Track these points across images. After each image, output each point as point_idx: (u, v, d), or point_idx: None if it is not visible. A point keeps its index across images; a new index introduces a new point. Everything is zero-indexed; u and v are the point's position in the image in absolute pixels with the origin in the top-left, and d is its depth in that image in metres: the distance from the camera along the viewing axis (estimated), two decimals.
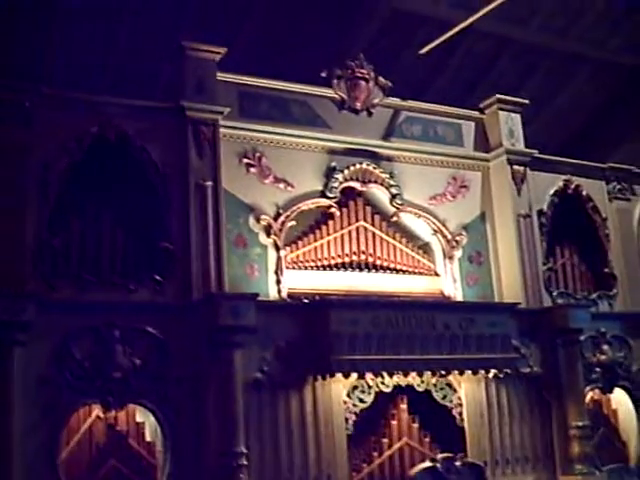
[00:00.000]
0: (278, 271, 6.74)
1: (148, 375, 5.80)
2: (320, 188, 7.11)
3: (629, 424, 7.87)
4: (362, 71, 7.51)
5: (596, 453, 7.36)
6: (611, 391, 7.77)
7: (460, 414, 6.85)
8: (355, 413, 6.39)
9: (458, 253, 7.61)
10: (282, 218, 6.86)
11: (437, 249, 7.64)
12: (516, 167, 7.89)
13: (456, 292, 7.50)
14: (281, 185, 6.95)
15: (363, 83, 7.50)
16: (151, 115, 6.48)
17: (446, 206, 7.70)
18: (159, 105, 6.59)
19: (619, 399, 7.90)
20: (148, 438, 5.99)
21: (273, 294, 6.65)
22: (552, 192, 8.09)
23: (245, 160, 6.82)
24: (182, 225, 6.29)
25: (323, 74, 7.32)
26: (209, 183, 6.45)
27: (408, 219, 7.58)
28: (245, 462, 5.76)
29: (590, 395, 7.58)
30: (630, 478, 7.60)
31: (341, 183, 7.19)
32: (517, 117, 8.11)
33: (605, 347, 7.70)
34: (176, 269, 6.18)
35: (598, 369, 7.60)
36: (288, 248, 6.93)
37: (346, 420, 6.34)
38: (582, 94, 11.07)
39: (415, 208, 7.54)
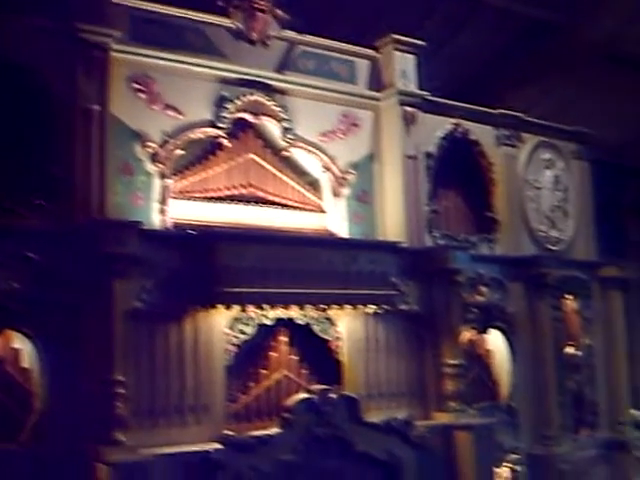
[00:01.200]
0: (163, 200, 6.75)
1: (26, 300, 5.77)
2: (210, 117, 7.10)
3: (502, 364, 8.31)
4: (260, 2, 7.51)
5: (469, 391, 7.75)
6: (486, 331, 8.19)
7: (339, 348, 7.09)
8: (235, 345, 6.54)
9: (346, 191, 7.77)
10: (170, 146, 6.84)
11: (326, 186, 7.79)
12: (407, 108, 8.04)
13: (342, 229, 7.67)
14: (170, 112, 6.91)
15: (260, 14, 7.50)
16: (39, 35, 6.31)
17: (336, 143, 7.81)
18: (48, 25, 6.41)
19: (494, 339, 8.33)
20: (25, 364, 5.97)
21: (157, 224, 6.65)
22: (441, 135, 8.29)
23: (134, 85, 6.73)
24: (67, 150, 6.21)
25: (220, 2, 7.31)
26: (96, 107, 6.36)
27: (298, 154, 7.66)
28: (122, 390, 5.83)
29: (466, 335, 7.91)
30: (500, 415, 8.04)
31: (232, 114, 7.20)
32: (411, 58, 8.23)
33: (483, 289, 8.06)
34: (59, 194, 6.11)
35: (475, 310, 7.95)
36: (175, 177, 6.92)
37: (226, 351, 6.48)
38: (480, 40, 11.30)
39: (306, 144, 7.62)
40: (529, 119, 9.11)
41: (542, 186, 9.08)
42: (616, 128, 12.39)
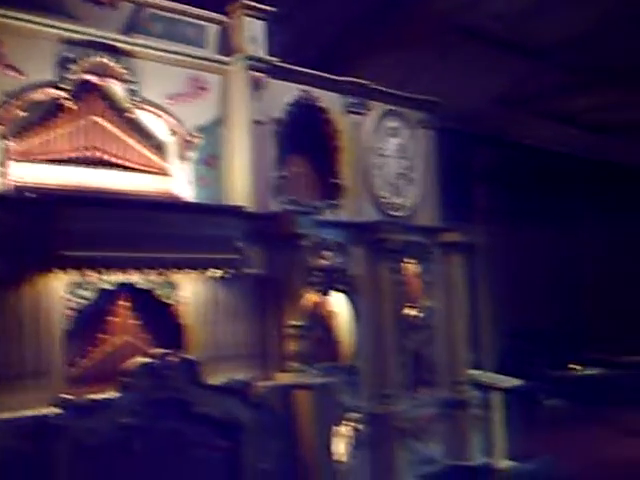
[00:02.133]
0: (3, 162, 6.69)
1: None
2: (53, 78, 7.04)
3: (344, 325, 8.66)
4: None
5: (311, 352, 8.03)
6: (329, 294, 8.50)
7: (182, 312, 7.24)
8: (75, 310, 6.59)
9: (192, 155, 7.86)
10: (10, 107, 6.77)
11: (172, 149, 7.85)
12: (255, 73, 8.16)
13: (187, 193, 7.77)
14: (11, 72, 6.81)
15: None
16: None
17: (184, 107, 7.88)
18: None
19: (336, 302, 8.65)
20: None
21: None
22: (289, 101, 8.47)
23: None
24: None
25: None
26: None
27: (145, 117, 7.67)
28: None
29: (309, 297, 8.16)
30: (341, 375, 8.36)
31: (76, 75, 7.15)
32: (261, 24, 8.34)
33: (326, 253, 8.33)
34: None
35: (318, 273, 8.20)
36: (16, 139, 6.86)
37: (65, 316, 6.52)
38: (333, 9, 11.50)
39: (152, 106, 7.66)
40: (376, 87, 9.37)
41: (387, 154, 9.40)
42: (466, 97, 12.92)
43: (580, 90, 14.36)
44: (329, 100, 8.94)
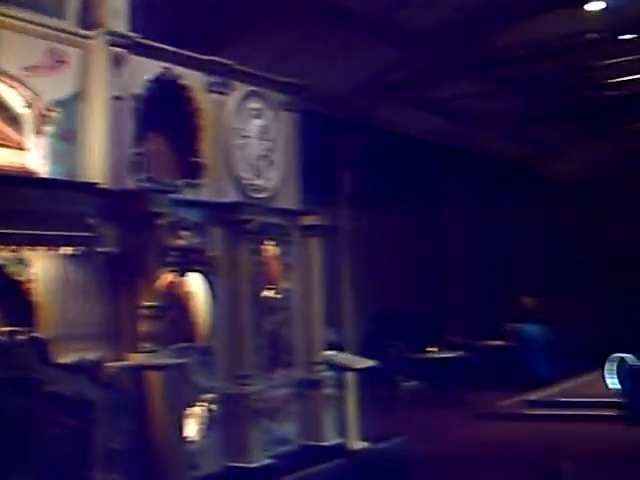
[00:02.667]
0: None
1: None
2: None
3: (201, 306, 8.71)
4: None
5: (166, 332, 8.01)
6: (186, 274, 8.53)
7: (32, 290, 7.12)
8: None
9: (49, 129, 7.67)
10: None
11: (27, 123, 7.61)
12: (116, 49, 8.04)
13: (43, 168, 7.56)
14: None
15: None
16: None
17: (41, 79, 7.64)
18: None
19: (194, 282, 8.68)
20: None
21: None
22: (150, 78, 8.39)
23: None
24: None
25: None
26: None
27: None
28: None
29: (166, 277, 8.10)
30: (196, 356, 8.45)
31: None
32: None
33: (184, 232, 8.37)
34: None
35: (175, 253, 8.20)
36: None
37: None
38: None
39: (7, 77, 7.45)
40: (240, 68, 9.41)
41: (249, 135, 9.47)
42: (333, 81, 13.12)
43: (448, 78, 14.82)
44: (191, 78, 8.92)
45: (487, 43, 13.60)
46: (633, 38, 13.69)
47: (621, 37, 13.67)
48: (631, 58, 14.60)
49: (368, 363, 10.71)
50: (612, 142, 19.38)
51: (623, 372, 10.48)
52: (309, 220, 9.83)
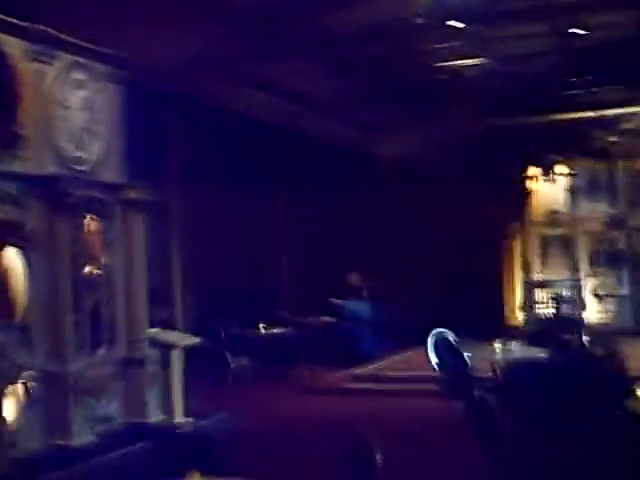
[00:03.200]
0: None
1: None
2: None
3: (19, 282, 8.39)
4: None
5: None
6: (3, 249, 8.23)
7: None
8: None
9: None
10: None
11: None
12: None
13: None
14: None
15: None
16: None
17: None
18: None
19: (11, 257, 8.36)
20: None
21: None
22: None
23: None
24: None
25: None
26: None
27: None
28: None
29: None
30: (13, 332, 8.19)
31: None
32: None
33: (1, 205, 8.09)
34: None
35: None
36: None
37: None
38: None
39: None
40: (64, 38, 9.17)
41: (72, 106, 9.23)
42: (162, 55, 12.93)
43: (278, 58, 14.88)
44: (13, 46, 8.61)
45: (317, 23, 13.73)
46: (461, 26, 14.14)
47: (449, 23, 14.10)
48: (459, 44, 15.07)
49: (194, 340, 10.72)
50: (440, 126, 19.98)
51: (441, 347, 10.94)
52: (132, 194, 9.70)
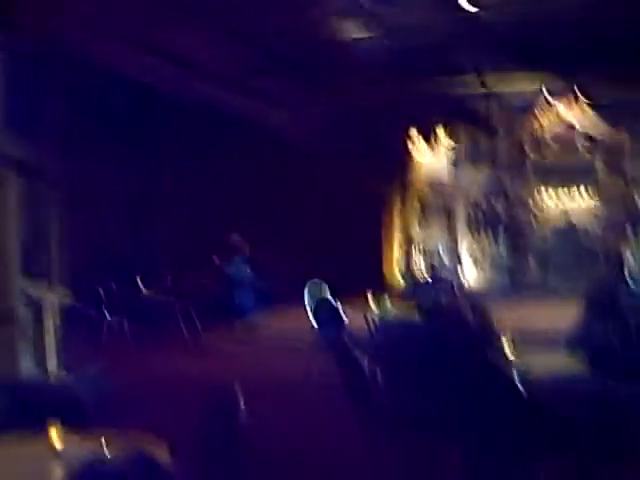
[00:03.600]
0: None
1: None
2: None
3: None
4: None
5: None
6: None
7: None
8: None
9: None
10: None
11: None
12: None
13: None
14: None
15: None
16: None
17: None
18: None
19: None
20: None
21: None
22: None
23: None
24: None
25: None
26: None
27: None
28: None
29: None
30: None
31: None
32: None
33: None
34: None
35: None
36: None
37: None
38: None
39: None
40: None
41: None
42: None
43: (171, 22, 14.48)
44: None
45: None
46: None
47: None
48: (350, 16, 15.09)
49: (68, 296, 10.54)
50: (329, 96, 20.00)
51: (319, 305, 11.08)
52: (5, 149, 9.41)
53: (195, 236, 19.43)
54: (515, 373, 6.20)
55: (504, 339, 6.93)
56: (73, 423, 5.30)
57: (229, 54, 16.60)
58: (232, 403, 4.56)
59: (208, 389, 5.19)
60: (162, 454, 4.26)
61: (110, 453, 4.17)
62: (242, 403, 4.49)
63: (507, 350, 6.76)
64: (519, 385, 5.58)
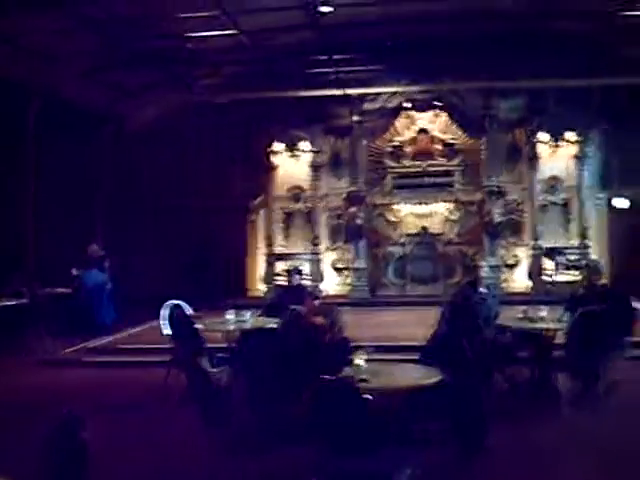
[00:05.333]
0: None
1: None
2: None
3: None
4: None
5: None
6: None
7: None
8: None
9: None
10: None
11: None
12: None
13: None
14: None
15: None
16: None
17: None
18: None
19: None
20: None
21: None
22: None
23: None
24: None
25: None
26: None
27: None
28: None
29: None
30: None
31: None
32: None
33: None
34: None
35: None
36: None
37: None
38: None
39: None
40: None
41: None
42: None
43: (20, 10, 14.11)
44: None
45: None
46: None
47: None
48: (206, 15, 15.14)
49: None
50: (189, 94, 19.95)
51: (175, 319, 11.01)
52: None
53: (54, 244, 18.90)
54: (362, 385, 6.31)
55: (357, 352, 7.07)
56: None
57: (94, 47, 16.28)
58: (69, 419, 4.50)
59: (56, 401, 5.07)
60: None
61: None
62: (78, 420, 4.43)
63: (358, 362, 6.90)
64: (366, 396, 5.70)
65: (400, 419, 6.36)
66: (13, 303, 15.73)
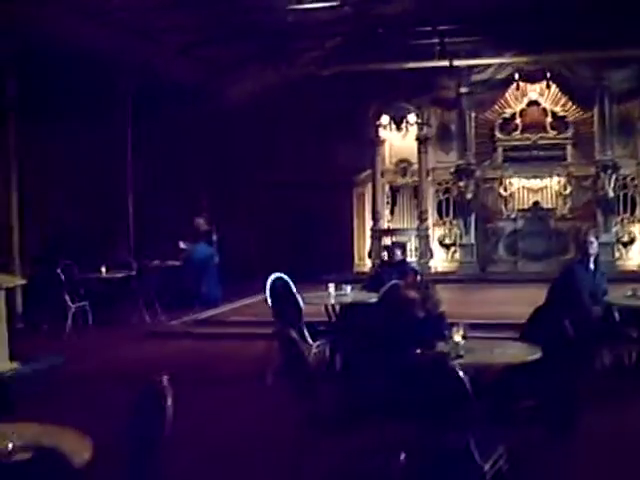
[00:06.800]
0: None
1: None
2: None
3: None
4: None
5: None
6: None
7: None
8: None
9: None
10: None
11: None
12: None
13: None
14: None
15: None
16: None
17: None
18: None
19: None
20: None
21: None
22: None
23: None
24: None
25: None
26: None
27: None
28: None
29: None
30: None
31: None
32: None
33: None
34: None
35: None
36: None
37: None
38: None
39: None
40: None
41: None
42: None
43: None
44: None
45: None
46: None
47: None
48: None
49: (20, 281, 10.50)
50: (292, 68, 19.96)
51: (279, 292, 11.10)
52: None
53: (161, 218, 19.31)
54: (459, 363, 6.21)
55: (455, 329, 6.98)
56: None
57: (188, 23, 16.44)
58: (151, 390, 4.56)
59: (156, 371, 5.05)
60: (81, 454, 4.16)
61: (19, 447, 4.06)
62: (162, 390, 4.48)
63: (457, 339, 6.82)
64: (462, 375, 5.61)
65: (493, 396, 6.26)
66: (120, 276, 16.05)
